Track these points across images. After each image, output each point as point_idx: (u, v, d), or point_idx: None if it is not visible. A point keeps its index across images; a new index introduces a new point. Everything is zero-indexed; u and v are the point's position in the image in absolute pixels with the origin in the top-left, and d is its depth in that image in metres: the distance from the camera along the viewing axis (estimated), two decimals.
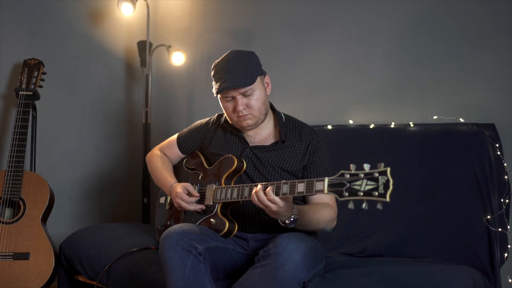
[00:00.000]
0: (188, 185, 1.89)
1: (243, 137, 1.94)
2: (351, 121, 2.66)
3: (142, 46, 3.09)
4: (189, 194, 1.87)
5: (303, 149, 1.90)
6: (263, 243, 1.84)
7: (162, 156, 2.16)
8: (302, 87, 2.85)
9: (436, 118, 2.46)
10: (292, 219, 1.68)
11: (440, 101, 2.51)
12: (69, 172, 3.02)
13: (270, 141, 1.94)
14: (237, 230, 1.82)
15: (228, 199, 1.78)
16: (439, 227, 2.20)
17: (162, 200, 2.19)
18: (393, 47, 2.64)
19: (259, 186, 1.64)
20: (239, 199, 1.77)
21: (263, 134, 1.96)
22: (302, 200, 1.94)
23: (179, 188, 1.87)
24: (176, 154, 2.16)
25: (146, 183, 3.07)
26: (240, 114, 1.84)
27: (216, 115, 2.09)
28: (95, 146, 3.13)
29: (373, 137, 2.52)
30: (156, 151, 2.19)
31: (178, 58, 3.04)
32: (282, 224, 1.70)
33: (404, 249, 2.21)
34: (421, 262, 2.07)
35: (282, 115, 1.99)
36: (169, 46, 3.04)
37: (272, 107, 2.02)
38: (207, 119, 2.11)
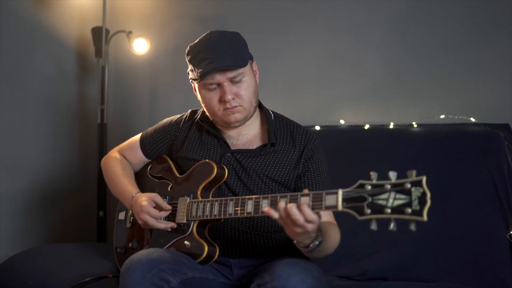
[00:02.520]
0: (155, 196, 1.65)
1: (223, 138, 1.71)
2: (342, 121, 2.54)
3: (97, 33, 2.88)
4: (157, 207, 1.62)
5: (297, 154, 1.69)
6: (250, 270, 1.64)
7: (122, 160, 1.90)
8: (284, 84, 2.73)
9: (443, 118, 2.37)
10: (317, 242, 1.42)
11: (446, 98, 2.41)
12: (8, 182, 2.79)
13: (256, 144, 1.71)
14: (218, 254, 1.59)
15: (206, 216, 1.54)
16: (453, 245, 2.04)
17: (121, 215, 1.93)
18: (391, 37, 2.54)
19: (281, 201, 1.36)
20: (221, 217, 1.53)
21: (248, 135, 1.73)
22: None
23: (145, 200, 1.63)
24: (139, 158, 1.90)
25: (102, 193, 2.87)
26: (228, 105, 1.61)
27: (189, 111, 1.87)
28: (41, 150, 2.93)
29: (369, 139, 2.39)
30: (114, 153, 1.94)
31: (140, 46, 2.79)
32: (305, 250, 1.44)
33: (413, 271, 2.04)
34: (436, 287, 1.91)
35: (271, 112, 1.79)
36: (130, 32, 2.82)
37: (259, 103, 1.79)
38: (178, 116, 1.88)
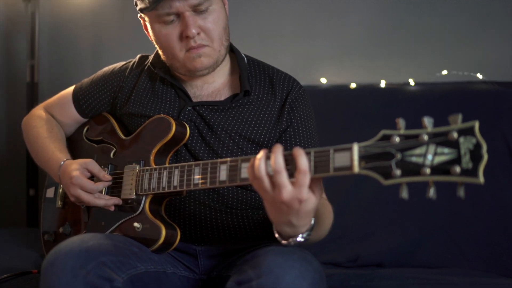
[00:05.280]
0: (89, 163, 1.43)
1: (182, 88, 1.49)
2: (323, 80, 2.40)
3: None
4: (94, 178, 1.43)
5: (278, 105, 1.48)
6: (222, 260, 1.44)
7: (49, 120, 1.66)
8: (254, 36, 2.56)
9: (445, 74, 2.26)
10: (301, 238, 1.13)
11: (448, 52, 2.30)
12: None
13: (225, 94, 1.51)
14: (180, 239, 1.38)
15: (163, 188, 1.33)
16: (462, 224, 1.93)
17: (50, 192, 1.71)
18: None
19: (262, 154, 1.07)
20: (183, 189, 1.29)
21: (215, 83, 1.51)
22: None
23: (75, 168, 1.40)
24: (72, 117, 1.66)
25: (33, 168, 2.68)
26: (192, 43, 1.38)
27: (138, 56, 1.64)
28: None
29: (357, 100, 2.26)
30: (38, 111, 1.71)
31: None
32: (283, 242, 1.16)
33: (414, 255, 1.94)
34: (446, 275, 1.74)
35: (243, 55, 1.57)
36: None
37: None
38: (124, 63, 1.65)
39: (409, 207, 1.97)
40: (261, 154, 1.02)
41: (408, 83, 2.22)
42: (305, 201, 1.00)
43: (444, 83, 2.19)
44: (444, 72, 2.24)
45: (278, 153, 1.00)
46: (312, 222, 1.10)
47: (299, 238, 1.10)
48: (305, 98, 1.51)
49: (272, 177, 1.01)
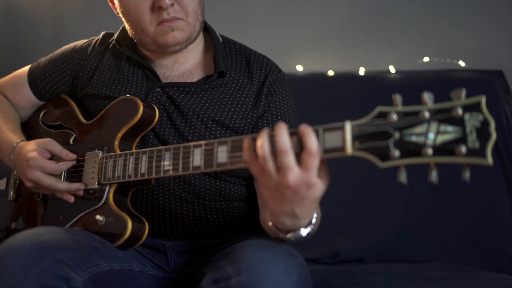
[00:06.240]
0: (49, 142, 1.33)
1: (150, 67, 1.41)
2: (299, 67, 2.40)
3: None
4: (55, 158, 1.34)
5: (255, 89, 1.40)
6: (195, 257, 1.35)
7: (1, 100, 1.56)
8: (226, 22, 2.41)
9: (427, 61, 2.26)
10: (310, 228, 1.07)
11: (429, 39, 2.33)
12: None
13: (198, 75, 1.43)
14: (148, 234, 1.30)
15: (129, 177, 1.25)
16: (447, 217, 1.93)
17: (1, 184, 1.61)
18: None
19: (264, 132, 0.96)
20: (152, 177, 1.20)
21: (186, 63, 1.44)
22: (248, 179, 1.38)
23: (32, 150, 1.31)
24: (27, 99, 1.56)
25: None
26: (165, 15, 1.31)
27: (103, 33, 1.56)
28: None
29: (335, 89, 2.25)
30: None
31: None
32: (282, 236, 1.09)
33: (397, 250, 1.93)
34: (432, 270, 1.73)
35: (218, 35, 1.49)
36: None
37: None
38: (86, 40, 1.56)
39: (391, 199, 1.98)
40: (263, 132, 0.92)
41: (389, 71, 2.25)
42: (313, 187, 0.91)
43: (426, 71, 2.21)
44: (426, 59, 2.26)
45: (282, 130, 0.90)
46: (315, 215, 1.02)
47: (303, 233, 1.02)
48: (284, 82, 1.44)
49: (276, 159, 0.90)
